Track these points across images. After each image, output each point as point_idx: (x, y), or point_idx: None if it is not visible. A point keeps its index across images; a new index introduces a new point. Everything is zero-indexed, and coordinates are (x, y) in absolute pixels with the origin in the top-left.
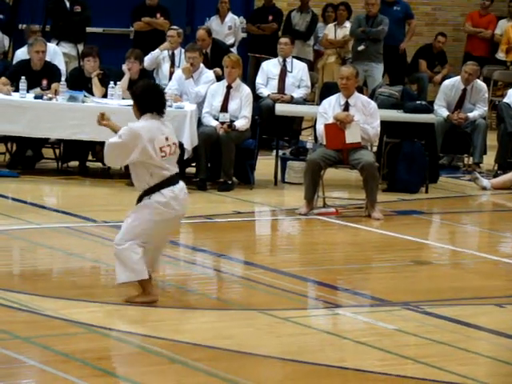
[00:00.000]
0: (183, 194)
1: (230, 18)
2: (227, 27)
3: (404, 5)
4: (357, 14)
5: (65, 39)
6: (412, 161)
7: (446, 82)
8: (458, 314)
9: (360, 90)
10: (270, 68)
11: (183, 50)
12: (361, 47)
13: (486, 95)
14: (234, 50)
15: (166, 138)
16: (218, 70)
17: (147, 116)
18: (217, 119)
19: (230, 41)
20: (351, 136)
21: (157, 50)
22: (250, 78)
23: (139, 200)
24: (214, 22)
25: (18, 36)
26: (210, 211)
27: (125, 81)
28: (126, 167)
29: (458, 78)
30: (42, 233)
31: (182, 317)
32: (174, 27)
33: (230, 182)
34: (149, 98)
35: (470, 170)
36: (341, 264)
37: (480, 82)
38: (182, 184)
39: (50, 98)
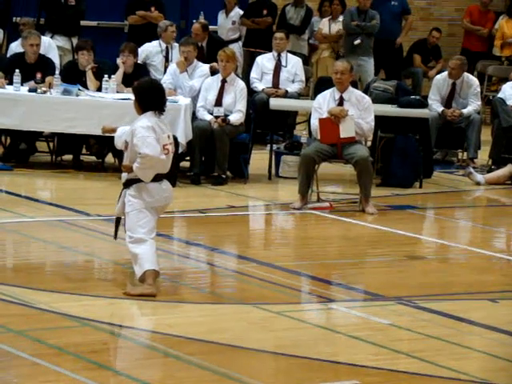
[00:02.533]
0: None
1: (236, 12)
2: (231, 22)
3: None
4: (348, 8)
5: (59, 32)
6: (406, 155)
7: (438, 77)
8: (451, 308)
9: (354, 85)
10: (264, 62)
11: (177, 45)
12: (357, 41)
13: (478, 89)
14: (238, 44)
15: (168, 136)
16: (214, 64)
17: (149, 114)
18: (211, 113)
19: (233, 35)
20: (345, 131)
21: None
22: (244, 73)
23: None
24: (220, 17)
25: (12, 29)
26: (203, 205)
27: (119, 74)
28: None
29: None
30: (36, 226)
31: (176, 310)
32: (167, 22)
33: (223, 176)
34: (151, 96)
35: (464, 165)
36: (334, 258)
37: (471, 77)
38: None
39: (44, 92)
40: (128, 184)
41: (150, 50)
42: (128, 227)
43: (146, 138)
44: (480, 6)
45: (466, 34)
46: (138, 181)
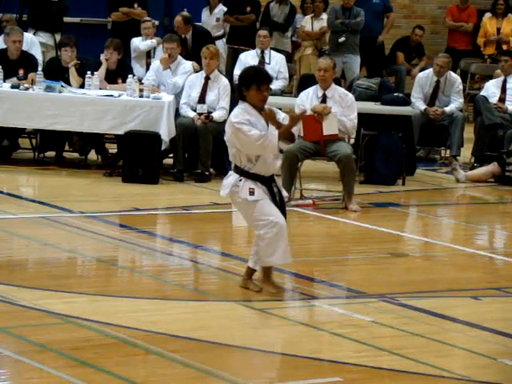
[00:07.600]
0: None
1: (219, 9)
2: (215, 19)
3: None
4: (332, 6)
5: (42, 29)
6: (389, 153)
7: (421, 75)
8: (434, 306)
9: (337, 82)
10: (247, 60)
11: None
12: (342, 39)
13: (461, 87)
14: (222, 41)
15: None
16: (195, 64)
17: None
18: (194, 110)
19: (217, 33)
20: (329, 128)
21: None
22: (227, 70)
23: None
24: (204, 13)
25: None
26: (187, 202)
27: (102, 71)
28: (105, 157)
29: (432, 69)
30: (19, 223)
31: (159, 308)
32: (148, 18)
33: (207, 174)
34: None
35: (446, 162)
36: (317, 256)
37: (454, 74)
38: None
39: (27, 88)
40: None
41: (136, 45)
42: None
43: None
44: (459, 4)
45: (450, 33)
46: None
